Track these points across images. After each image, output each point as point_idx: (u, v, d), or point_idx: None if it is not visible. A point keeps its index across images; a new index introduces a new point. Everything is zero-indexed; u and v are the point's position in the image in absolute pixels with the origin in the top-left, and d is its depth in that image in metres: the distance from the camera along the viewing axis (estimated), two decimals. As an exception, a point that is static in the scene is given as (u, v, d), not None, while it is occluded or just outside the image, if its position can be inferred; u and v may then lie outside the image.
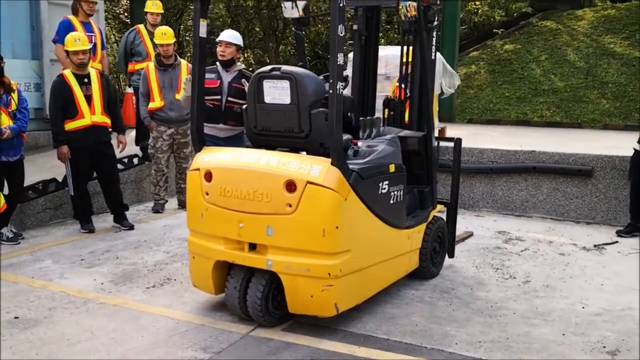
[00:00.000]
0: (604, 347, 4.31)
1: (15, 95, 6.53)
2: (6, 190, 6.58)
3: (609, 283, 5.66)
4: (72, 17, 8.31)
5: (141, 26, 8.89)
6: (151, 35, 8.63)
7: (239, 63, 7.01)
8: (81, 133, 6.85)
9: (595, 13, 17.29)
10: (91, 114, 6.87)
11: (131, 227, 7.30)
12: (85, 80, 6.89)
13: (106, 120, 7.04)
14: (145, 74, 7.86)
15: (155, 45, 8.24)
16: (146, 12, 8.87)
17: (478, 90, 15.26)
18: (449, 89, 9.36)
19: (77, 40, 6.85)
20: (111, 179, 7.28)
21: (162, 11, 9.09)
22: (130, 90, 8.87)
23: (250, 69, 7.16)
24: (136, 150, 8.86)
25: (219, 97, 6.80)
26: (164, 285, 5.45)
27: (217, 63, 7.01)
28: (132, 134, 8.70)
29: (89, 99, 6.87)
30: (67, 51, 6.89)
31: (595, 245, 6.87)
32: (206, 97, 6.81)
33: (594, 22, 16.78)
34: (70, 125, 6.83)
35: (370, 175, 4.57)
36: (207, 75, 6.81)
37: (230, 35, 6.87)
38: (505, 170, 8.45)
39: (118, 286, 5.42)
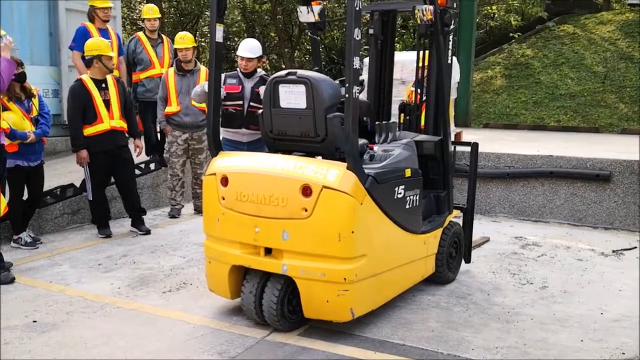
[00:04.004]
0: (623, 353, 4.26)
1: (36, 101, 6.59)
2: (26, 195, 6.65)
3: (627, 289, 5.59)
4: (88, 24, 8.39)
5: (140, 33, 8.91)
6: (152, 41, 8.70)
7: (259, 69, 7.07)
8: (100, 138, 6.90)
9: (614, 17, 17.16)
10: (110, 118, 6.92)
11: (148, 232, 7.34)
12: (103, 85, 6.95)
13: (124, 125, 7.09)
14: (165, 79, 7.94)
15: (156, 53, 8.40)
16: (143, 19, 8.89)
17: (494, 94, 15.19)
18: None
19: (109, 46, 7.00)
20: (129, 183, 7.33)
21: (159, 15, 9.02)
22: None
23: (266, 73, 7.17)
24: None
25: (240, 102, 6.85)
26: (180, 290, 5.47)
27: (238, 69, 7.04)
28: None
29: (107, 103, 6.92)
30: (100, 56, 6.83)
31: (613, 251, 6.80)
32: (228, 103, 6.86)
33: (611, 26, 16.65)
34: (89, 130, 6.87)
35: (386, 179, 4.55)
36: (229, 81, 6.86)
37: (250, 50, 6.88)
38: (522, 175, 8.39)
39: (135, 290, 5.44)
